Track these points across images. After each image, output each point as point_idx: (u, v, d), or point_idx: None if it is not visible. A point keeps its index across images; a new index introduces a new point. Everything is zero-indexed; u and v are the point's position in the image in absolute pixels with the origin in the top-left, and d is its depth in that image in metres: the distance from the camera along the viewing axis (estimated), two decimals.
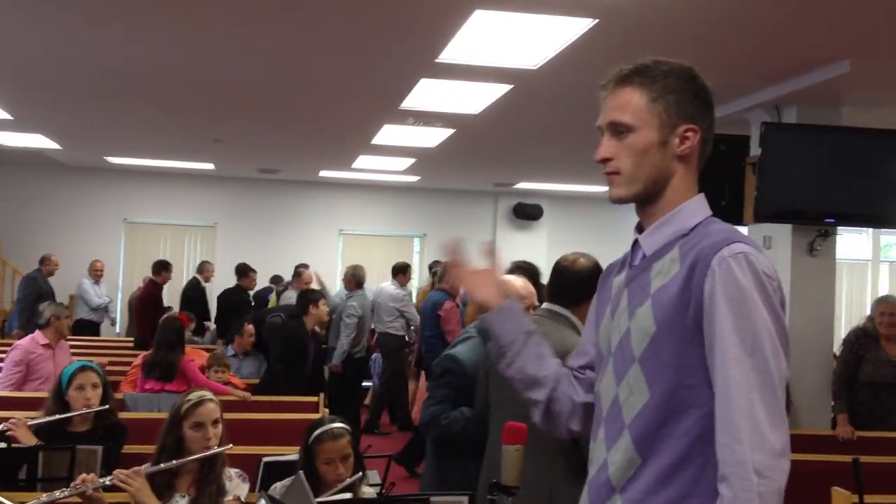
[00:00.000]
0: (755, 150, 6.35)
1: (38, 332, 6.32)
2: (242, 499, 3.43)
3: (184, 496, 3.36)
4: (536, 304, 4.16)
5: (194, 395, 3.53)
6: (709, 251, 1.72)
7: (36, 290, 10.55)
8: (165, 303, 10.71)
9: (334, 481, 3.31)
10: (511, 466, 2.50)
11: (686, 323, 1.72)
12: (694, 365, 1.71)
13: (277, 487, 3.38)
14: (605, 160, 1.87)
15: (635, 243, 1.91)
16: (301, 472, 2.69)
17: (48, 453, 3.68)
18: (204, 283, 11.31)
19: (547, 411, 2.06)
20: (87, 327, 11.71)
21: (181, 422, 3.43)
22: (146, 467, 3.31)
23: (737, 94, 6.54)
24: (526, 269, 4.32)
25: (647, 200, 1.86)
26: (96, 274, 12.16)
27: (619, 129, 1.84)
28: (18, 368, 6.00)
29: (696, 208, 1.85)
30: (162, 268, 10.25)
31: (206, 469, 3.41)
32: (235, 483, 3.46)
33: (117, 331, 13.26)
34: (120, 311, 13.54)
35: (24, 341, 6.36)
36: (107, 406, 4.27)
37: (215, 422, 3.46)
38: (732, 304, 1.66)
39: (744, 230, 6.66)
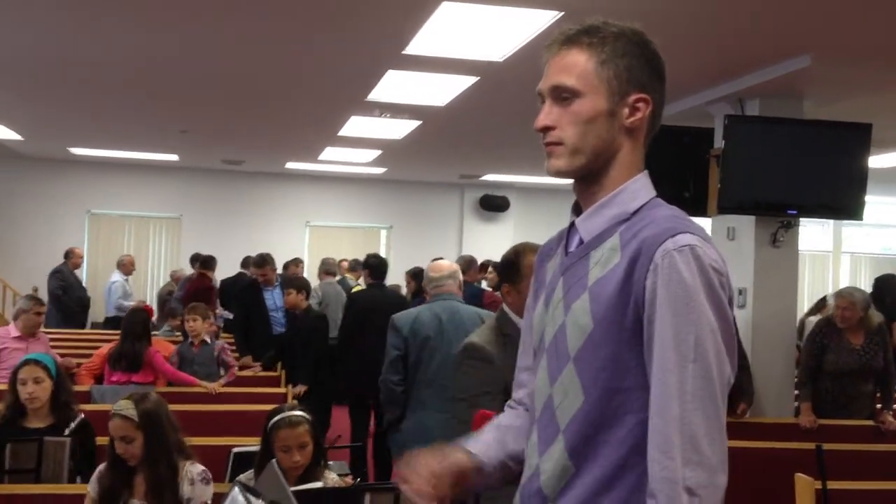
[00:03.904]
0: (719, 142, 6.42)
1: (11, 324, 6.35)
2: (209, 502, 3.32)
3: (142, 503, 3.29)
4: (461, 278, 4.73)
5: (115, 407, 3.39)
6: (652, 243, 1.54)
7: (61, 282, 10.88)
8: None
9: (291, 469, 3.29)
10: None
11: (625, 321, 1.56)
12: (632, 367, 1.57)
13: (241, 479, 3.37)
14: (546, 129, 1.66)
15: (571, 226, 1.73)
16: (274, 460, 2.69)
17: (15, 445, 3.66)
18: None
19: None
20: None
21: None
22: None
23: (701, 86, 6.60)
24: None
25: (589, 176, 1.67)
26: (128, 269, 11.95)
27: (562, 95, 1.65)
28: None
29: (639, 189, 1.66)
30: (212, 260, 10.79)
31: (154, 479, 3.28)
32: (198, 489, 3.33)
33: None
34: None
35: None
36: None
37: (123, 438, 3.29)
38: (675, 304, 1.50)
39: (708, 222, 6.75)
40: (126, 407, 3.33)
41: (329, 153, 11.68)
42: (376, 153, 11.57)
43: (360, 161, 12.44)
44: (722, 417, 1.52)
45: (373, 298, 7.08)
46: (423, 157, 11.79)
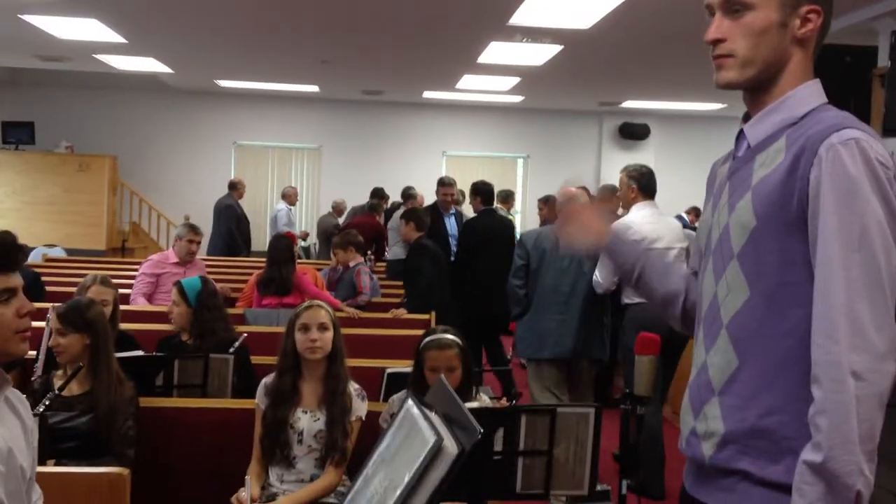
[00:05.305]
0: (883, 60, 6.05)
1: (170, 250, 6.64)
2: (363, 417, 3.45)
3: (316, 418, 3.41)
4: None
5: (308, 302, 3.62)
6: (817, 138, 1.57)
7: (234, 215, 11.13)
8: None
9: None
10: (644, 376, 2.50)
11: (789, 216, 1.59)
12: (797, 261, 1.59)
13: (395, 400, 3.45)
14: (717, 41, 1.70)
15: (740, 134, 1.77)
16: (442, 376, 2.73)
17: (183, 361, 3.83)
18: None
19: (685, 318, 1.99)
20: None
21: (293, 326, 3.48)
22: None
23: (863, 1, 6.22)
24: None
25: (759, 87, 1.71)
26: (291, 199, 12.38)
27: (734, 8, 1.68)
28: (148, 279, 6.33)
29: (808, 95, 1.69)
30: (378, 197, 11.29)
31: (330, 387, 3.42)
32: (356, 404, 3.46)
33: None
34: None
35: (157, 255, 6.69)
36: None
37: (321, 326, 3.44)
38: (839, 195, 1.52)
39: None
40: (323, 303, 3.60)
41: (466, 81, 11.61)
42: (515, 81, 11.43)
43: (497, 89, 12.34)
44: (890, 307, 1.51)
45: (487, 224, 7.42)
46: (563, 84, 11.59)
